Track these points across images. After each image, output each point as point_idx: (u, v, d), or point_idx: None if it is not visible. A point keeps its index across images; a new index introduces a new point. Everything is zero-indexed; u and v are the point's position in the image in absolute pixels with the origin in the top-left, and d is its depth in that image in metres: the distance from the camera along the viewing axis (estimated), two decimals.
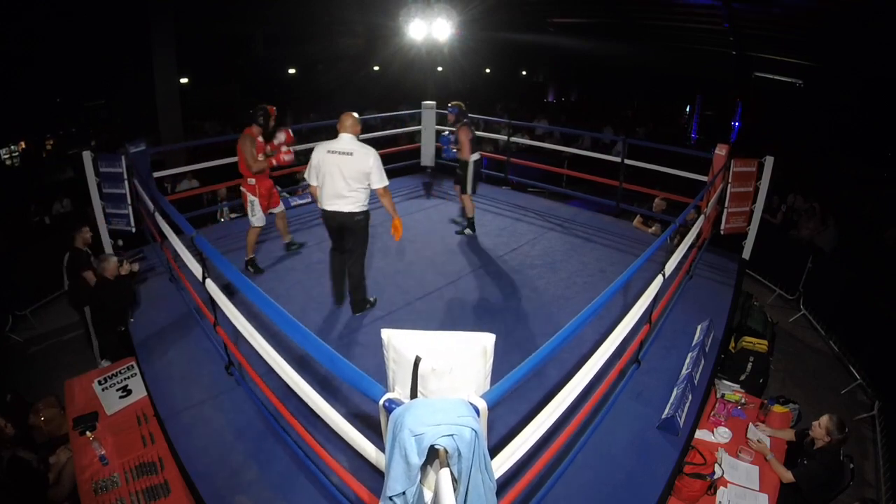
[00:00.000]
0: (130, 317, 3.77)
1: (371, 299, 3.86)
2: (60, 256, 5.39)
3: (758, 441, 3.14)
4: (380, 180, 3.37)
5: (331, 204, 3.40)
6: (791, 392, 4.54)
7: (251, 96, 14.44)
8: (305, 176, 3.56)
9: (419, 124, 7.00)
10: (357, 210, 3.40)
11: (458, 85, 15.22)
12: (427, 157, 7.10)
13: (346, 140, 3.36)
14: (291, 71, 15.71)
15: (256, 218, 4.35)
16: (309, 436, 2.28)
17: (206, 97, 13.37)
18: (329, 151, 3.34)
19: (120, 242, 5.22)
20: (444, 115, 6.90)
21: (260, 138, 4.21)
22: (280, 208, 4.67)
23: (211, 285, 2.67)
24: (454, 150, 5.03)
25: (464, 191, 5.10)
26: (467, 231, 5.26)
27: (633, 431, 2.75)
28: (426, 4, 6.77)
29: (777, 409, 3.63)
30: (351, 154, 3.31)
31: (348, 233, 3.49)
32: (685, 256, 3.79)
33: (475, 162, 5.02)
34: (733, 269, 4.71)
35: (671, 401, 2.89)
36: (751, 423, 3.30)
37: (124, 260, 4.04)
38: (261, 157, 4.19)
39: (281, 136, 4.32)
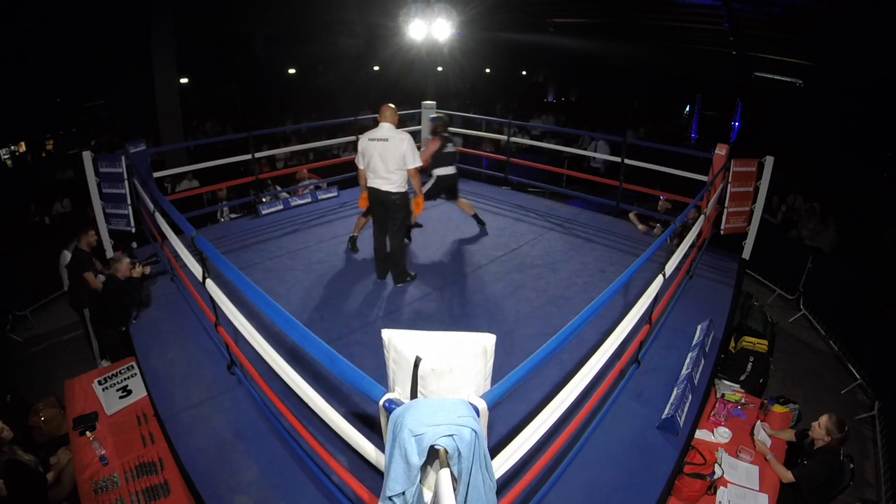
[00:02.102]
0: (135, 317, 3.77)
1: (412, 273, 4.27)
2: (59, 256, 5.41)
3: (760, 441, 3.14)
4: (412, 161, 3.87)
5: (373, 182, 3.94)
6: (791, 392, 4.55)
7: (251, 96, 14.47)
8: (355, 161, 4.06)
9: (419, 124, 7.00)
10: (394, 190, 3.90)
11: (458, 85, 15.23)
12: None
13: (384, 129, 3.85)
14: (291, 71, 15.70)
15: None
16: (309, 436, 2.28)
17: (206, 97, 13.36)
18: (370, 139, 3.85)
19: (134, 245, 5.24)
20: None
21: None
22: None
23: (211, 285, 2.67)
24: None
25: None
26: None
27: (633, 431, 2.75)
28: (426, 4, 6.78)
29: (777, 409, 3.63)
30: (387, 140, 3.80)
31: (388, 209, 3.99)
32: (685, 256, 3.79)
33: (439, 177, 4.98)
34: (733, 269, 4.70)
35: (671, 401, 2.89)
36: (759, 422, 3.31)
37: (137, 262, 4.06)
38: None
39: None
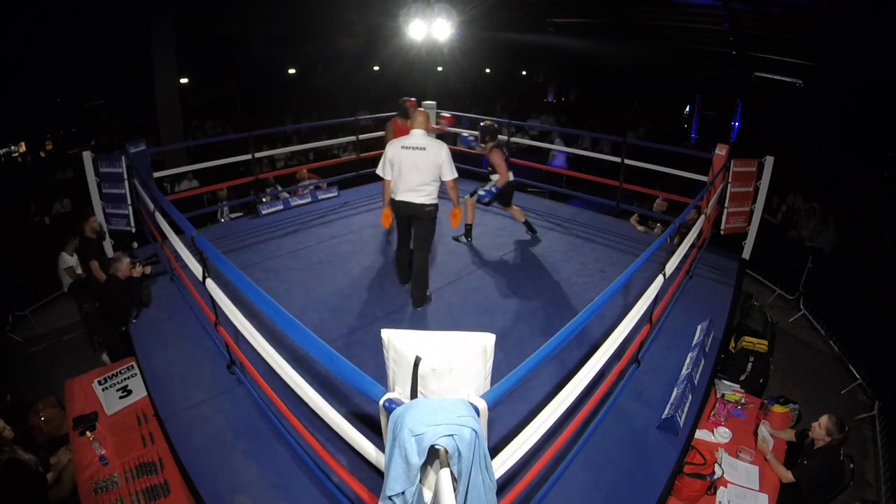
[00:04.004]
0: (135, 317, 3.77)
1: (428, 293, 3.97)
2: (58, 258, 5.40)
3: (762, 440, 3.15)
4: (450, 173, 3.60)
5: (404, 195, 3.60)
6: (791, 392, 4.55)
7: (251, 96, 14.48)
8: (378, 171, 3.72)
9: None
10: (428, 202, 3.61)
11: (458, 85, 15.23)
12: None
13: (419, 136, 3.55)
14: (291, 71, 15.71)
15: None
16: (309, 435, 2.28)
17: (206, 97, 13.37)
18: (403, 147, 3.53)
19: (135, 244, 5.25)
20: (444, 115, 6.93)
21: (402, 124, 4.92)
22: None
23: (211, 285, 2.67)
24: (493, 189, 4.82)
25: (472, 194, 4.94)
26: (462, 239, 5.10)
27: (633, 431, 2.75)
28: (426, 4, 6.78)
29: (777, 409, 3.63)
30: (424, 149, 3.50)
31: (417, 222, 3.71)
32: (685, 256, 3.79)
33: (507, 182, 4.81)
34: (733, 269, 4.70)
35: (671, 401, 2.89)
36: (763, 421, 3.32)
37: (138, 262, 4.06)
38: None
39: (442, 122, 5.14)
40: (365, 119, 6.75)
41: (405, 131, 4.58)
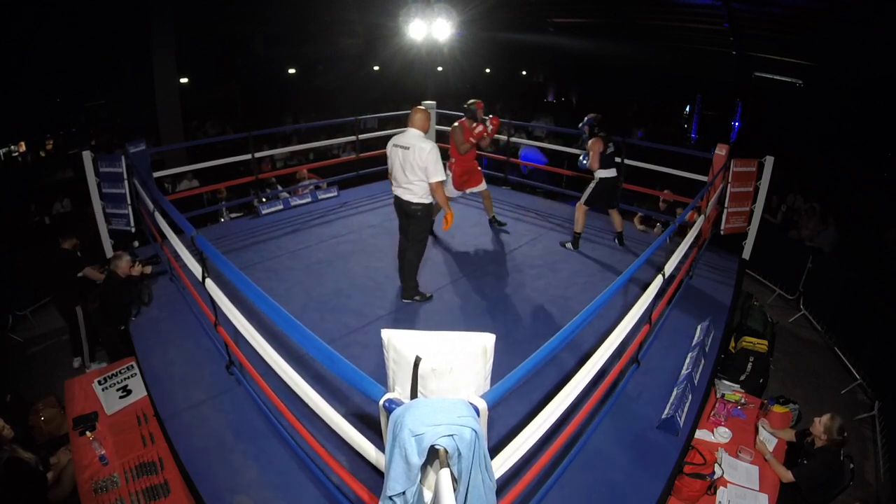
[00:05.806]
0: (135, 314, 3.77)
1: (428, 294, 4.00)
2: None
3: (762, 440, 3.15)
4: (434, 175, 3.55)
5: (395, 190, 3.75)
6: (791, 392, 4.55)
7: (251, 96, 14.48)
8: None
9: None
10: (413, 200, 3.65)
11: (458, 85, 15.23)
12: None
13: (409, 134, 3.59)
14: (291, 71, 15.71)
15: (447, 189, 4.83)
16: (309, 435, 2.28)
17: (206, 97, 13.36)
18: (394, 145, 3.63)
19: (136, 244, 5.24)
20: (445, 115, 6.93)
21: (469, 125, 4.82)
22: (481, 188, 5.12)
23: (211, 285, 2.67)
24: (584, 162, 4.66)
25: (581, 198, 4.84)
26: (568, 245, 5.00)
27: (633, 431, 2.75)
28: (426, 4, 6.78)
29: (777, 409, 3.62)
30: (408, 148, 3.53)
31: (408, 219, 3.79)
32: (685, 256, 3.79)
33: (602, 179, 4.67)
34: (733, 269, 4.70)
35: (671, 401, 2.89)
36: (763, 421, 3.32)
37: (138, 261, 4.06)
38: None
39: (488, 124, 4.91)
40: (367, 120, 6.74)
41: (470, 132, 4.76)
